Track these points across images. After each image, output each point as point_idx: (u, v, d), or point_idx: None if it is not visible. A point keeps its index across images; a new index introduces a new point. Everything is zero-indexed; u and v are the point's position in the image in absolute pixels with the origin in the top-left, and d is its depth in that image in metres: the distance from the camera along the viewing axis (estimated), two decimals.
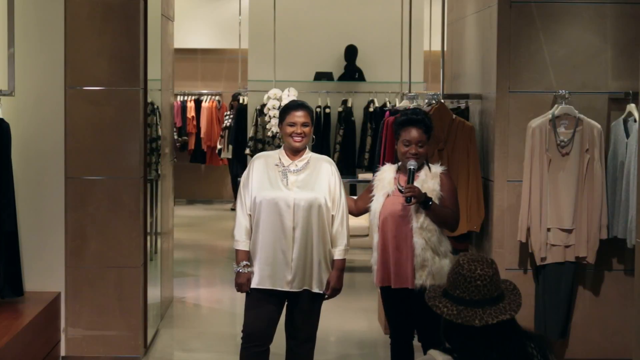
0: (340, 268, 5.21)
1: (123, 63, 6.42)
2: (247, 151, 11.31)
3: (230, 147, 13.50)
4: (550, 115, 6.18)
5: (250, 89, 11.99)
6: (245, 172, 5.25)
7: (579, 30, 6.34)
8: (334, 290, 5.21)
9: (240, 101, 13.04)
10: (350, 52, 11.98)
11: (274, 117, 9.74)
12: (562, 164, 6.17)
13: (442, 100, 6.78)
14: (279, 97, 10.01)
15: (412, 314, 5.29)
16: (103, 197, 6.44)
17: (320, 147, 11.54)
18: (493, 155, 6.37)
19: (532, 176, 6.16)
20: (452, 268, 3.04)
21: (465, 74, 7.40)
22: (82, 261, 6.46)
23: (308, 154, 5.22)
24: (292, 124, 5.15)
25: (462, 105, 7.05)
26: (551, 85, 6.31)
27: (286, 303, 5.24)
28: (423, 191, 5.16)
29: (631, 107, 6.16)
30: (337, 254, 5.20)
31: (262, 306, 5.14)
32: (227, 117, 14.07)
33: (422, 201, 5.13)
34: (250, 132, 11.53)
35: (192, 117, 15.08)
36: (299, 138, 5.15)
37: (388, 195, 5.28)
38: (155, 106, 7.45)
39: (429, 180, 5.24)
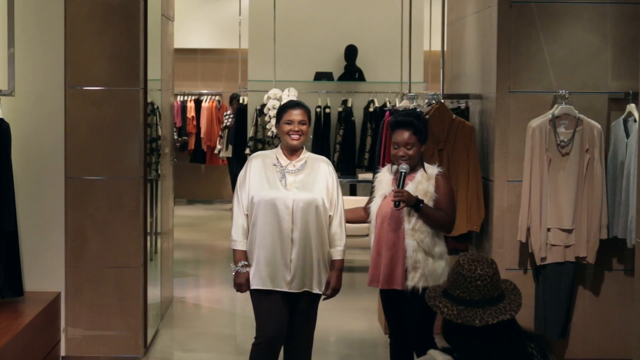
0: (340, 268, 5.22)
1: (123, 63, 6.42)
2: (247, 151, 11.31)
3: (230, 146, 13.50)
4: (550, 115, 6.18)
5: (250, 89, 12.00)
6: (242, 172, 5.22)
7: (579, 30, 6.34)
8: (334, 290, 5.21)
9: (240, 101, 13.05)
10: (350, 52, 11.98)
11: (274, 117, 9.75)
12: (562, 164, 6.17)
13: (442, 100, 6.78)
14: (279, 97, 10.02)
15: (405, 315, 5.27)
16: (103, 197, 6.44)
17: (320, 147, 11.55)
18: (493, 155, 6.36)
19: (532, 176, 6.16)
20: (452, 268, 3.04)
21: (465, 74, 7.40)
22: (82, 261, 6.45)
23: (305, 154, 5.22)
24: (290, 122, 5.15)
25: (462, 105, 7.05)
26: (551, 85, 6.31)
27: (288, 302, 5.22)
28: (417, 193, 5.13)
29: (631, 107, 6.16)
30: (337, 254, 5.20)
31: (274, 309, 5.12)
32: (226, 117, 14.07)
33: (412, 204, 5.12)
34: (250, 132, 11.54)
35: (192, 117, 15.08)
36: (297, 136, 5.14)
37: (385, 197, 5.27)
38: (155, 106, 7.45)
39: (424, 182, 5.19)
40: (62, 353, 6.49)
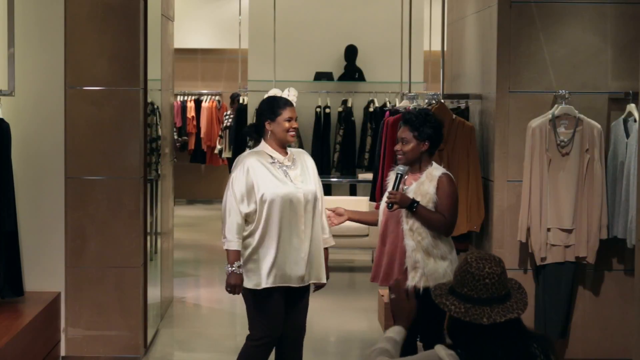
0: (327, 257, 5.30)
1: (123, 63, 6.42)
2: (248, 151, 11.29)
3: (231, 147, 13.49)
4: (550, 115, 6.18)
5: (250, 89, 11.99)
6: (238, 172, 5.08)
7: (579, 30, 6.34)
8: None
9: (241, 101, 13.04)
10: (350, 52, 11.98)
11: None
12: (562, 164, 6.17)
13: (442, 100, 6.78)
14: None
15: None
16: (103, 197, 6.44)
17: (320, 147, 11.55)
18: (493, 155, 6.37)
19: (532, 176, 6.16)
20: (460, 266, 3.03)
21: (465, 74, 7.40)
22: (82, 261, 6.45)
23: (288, 149, 5.26)
24: (290, 119, 5.16)
25: (462, 105, 7.05)
26: (551, 85, 6.31)
27: (285, 295, 5.21)
28: (418, 193, 5.11)
29: (631, 107, 6.16)
30: (326, 243, 5.28)
31: (279, 307, 5.11)
32: (226, 117, 14.07)
33: (406, 206, 5.10)
34: None
35: (192, 117, 15.08)
36: (294, 133, 5.20)
37: None
38: (155, 106, 7.45)
39: (427, 183, 5.15)
40: (62, 353, 6.49)
